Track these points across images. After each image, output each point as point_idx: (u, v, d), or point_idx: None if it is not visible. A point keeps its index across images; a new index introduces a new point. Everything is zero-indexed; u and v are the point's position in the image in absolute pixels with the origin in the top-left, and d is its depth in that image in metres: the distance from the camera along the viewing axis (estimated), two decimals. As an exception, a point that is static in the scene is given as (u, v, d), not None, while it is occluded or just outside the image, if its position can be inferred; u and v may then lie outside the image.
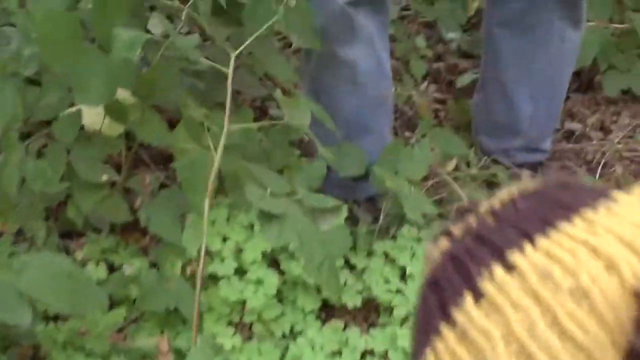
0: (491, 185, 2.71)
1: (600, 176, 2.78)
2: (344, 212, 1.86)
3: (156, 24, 2.28)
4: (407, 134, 3.04)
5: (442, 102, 3.21)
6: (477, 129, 2.83)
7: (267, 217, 1.73)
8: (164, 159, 2.80)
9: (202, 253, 1.72)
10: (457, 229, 0.66)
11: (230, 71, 2.04)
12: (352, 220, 2.46)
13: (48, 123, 2.62)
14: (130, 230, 2.44)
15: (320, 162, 2.08)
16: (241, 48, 2.09)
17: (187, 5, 2.40)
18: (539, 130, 2.73)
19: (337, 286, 1.78)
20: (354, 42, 2.34)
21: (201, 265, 1.74)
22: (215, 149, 1.98)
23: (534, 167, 2.77)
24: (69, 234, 2.51)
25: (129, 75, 2.06)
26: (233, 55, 2.06)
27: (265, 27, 2.13)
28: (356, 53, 2.37)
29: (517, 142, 2.74)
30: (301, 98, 1.91)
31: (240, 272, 2.21)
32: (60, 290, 1.76)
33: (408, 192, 2.20)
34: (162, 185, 2.51)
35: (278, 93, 1.86)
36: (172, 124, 2.80)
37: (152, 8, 3.20)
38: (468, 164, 2.71)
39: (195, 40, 2.00)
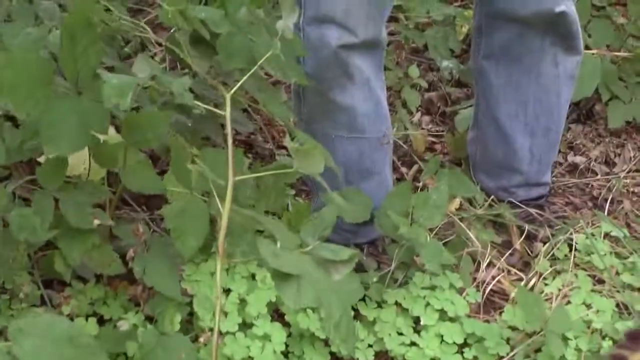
0: (497, 224, 2.62)
1: (609, 213, 2.69)
2: (356, 259, 1.74)
3: (142, 66, 2.14)
4: (403, 169, 2.94)
5: (437, 135, 3.12)
6: (475, 167, 2.73)
7: (283, 277, 1.60)
8: (146, 199, 2.66)
9: (217, 325, 1.58)
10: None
11: (227, 114, 1.91)
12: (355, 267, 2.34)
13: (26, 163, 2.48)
14: (118, 278, 2.29)
15: (330, 209, 1.96)
16: (235, 88, 1.96)
17: (165, 38, 2.28)
18: (539, 164, 2.64)
19: (354, 344, 1.66)
20: (350, 87, 2.24)
21: (215, 341, 1.60)
22: (218, 196, 1.85)
23: (539, 205, 2.68)
24: (49, 282, 2.36)
25: (102, 118, 1.93)
26: (228, 96, 1.93)
27: (259, 63, 2.02)
28: (353, 98, 2.26)
29: (516, 179, 2.65)
30: (313, 145, 1.79)
31: (244, 326, 2.08)
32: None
33: (425, 241, 2.09)
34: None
35: (288, 140, 1.74)
36: (154, 159, 2.69)
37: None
38: (470, 203, 2.61)
39: (187, 82, 1.88)
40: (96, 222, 2.06)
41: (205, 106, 2.00)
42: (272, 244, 1.69)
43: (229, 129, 1.81)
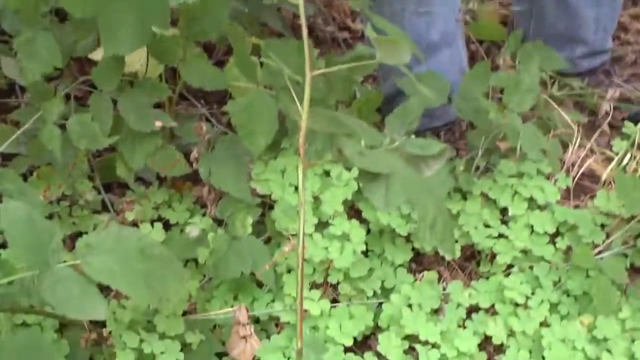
0: (577, 104, 2.47)
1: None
2: (447, 152, 1.61)
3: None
4: (472, 47, 2.76)
5: (507, 5, 2.93)
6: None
7: (370, 177, 1.48)
8: (204, 94, 2.54)
9: (302, 225, 1.47)
10: None
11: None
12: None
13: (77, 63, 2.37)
14: (182, 179, 2.20)
15: (416, 100, 1.82)
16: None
17: None
18: (604, 32, 2.47)
19: (453, 245, 1.55)
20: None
21: (301, 244, 1.49)
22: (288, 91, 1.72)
23: (605, 71, 2.51)
24: (109, 186, 2.28)
25: (163, 12, 1.79)
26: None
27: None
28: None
29: (580, 50, 2.48)
30: (398, 34, 1.64)
31: (320, 226, 1.99)
32: (135, 275, 1.53)
33: (520, 126, 1.95)
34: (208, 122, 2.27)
35: (369, 28, 1.59)
36: (207, 51, 2.55)
37: None
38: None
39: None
40: (158, 124, 1.95)
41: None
42: (355, 142, 1.57)
43: (302, 17, 1.66)
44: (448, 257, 2.06)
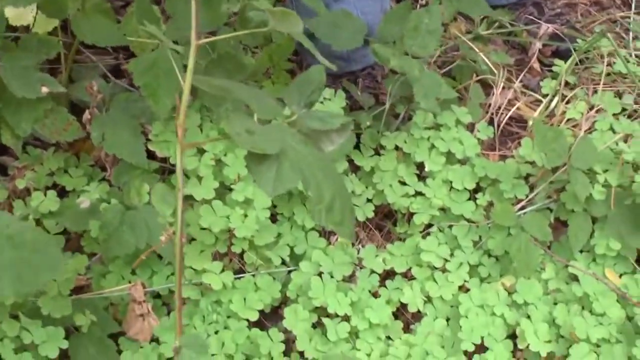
0: (507, 43, 2.37)
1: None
2: (351, 125, 1.51)
3: None
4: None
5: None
6: None
7: (258, 158, 1.38)
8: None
9: (180, 187, 1.37)
10: None
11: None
12: (350, 104, 2.12)
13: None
14: (81, 140, 2.07)
15: (317, 68, 1.70)
16: None
17: None
18: None
19: (352, 228, 1.47)
20: None
21: (180, 216, 1.40)
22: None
23: (536, 3, 2.41)
24: (4, 149, 2.14)
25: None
26: None
27: None
28: None
29: None
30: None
31: (222, 190, 1.90)
32: (2, 266, 1.43)
33: (419, 73, 1.84)
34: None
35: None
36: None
37: None
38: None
39: None
40: (44, 89, 1.82)
41: None
42: (246, 117, 1.46)
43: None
44: (360, 218, 1.98)
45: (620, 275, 1.90)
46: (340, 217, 1.46)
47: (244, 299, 1.82)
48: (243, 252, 1.88)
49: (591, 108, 2.13)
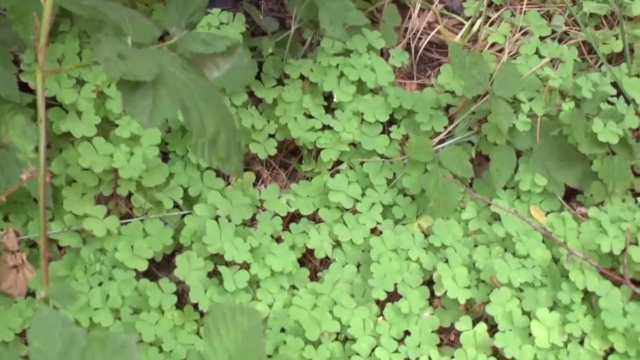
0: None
1: None
2: (240, 48, 1.48)
3: None
4: None
5: None
6: None
7: (131, 85, 1.34)
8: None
9: (42, 118, 1.32)
10: None
11: None
12: (252, 29, 2.09)
13: None
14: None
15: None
16: None
17: None
18: None
19: (239, 163, 1.45)
20: None
21: (42, 152, 1.36)
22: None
23: None
24: None
25: None
26: None
27: None
28: None
29: None
30: None
31: (106, 126, 1.86)
32: None
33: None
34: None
35: None
36: None
37: None
38: None
39: None
40: None
41: None
42: (117, 40, 1.42)
43: None
44: (261, 156, 1.96)
45: (547, 214, 1.91)
46: (225, 152, 1.45)
47: (131, 247, 1.81)
48: (130, 194, 1.87)
49: (517, 31, 2.12)
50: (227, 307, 1.54)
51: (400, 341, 1.75)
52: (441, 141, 1.97)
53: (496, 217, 1.90)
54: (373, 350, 1.73)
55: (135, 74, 1.35)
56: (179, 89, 1.39)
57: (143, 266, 1.80)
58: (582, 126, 1.87)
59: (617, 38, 2.11)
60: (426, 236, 1.87)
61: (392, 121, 2.00)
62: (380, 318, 1.78)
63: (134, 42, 1.43)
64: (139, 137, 1.84)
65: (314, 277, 1.88)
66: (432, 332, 1.77)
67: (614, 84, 1.98)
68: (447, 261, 1.82)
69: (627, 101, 1.94)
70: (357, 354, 1.72)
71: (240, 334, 1.34)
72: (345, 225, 1.89)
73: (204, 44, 1.49)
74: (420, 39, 2.15)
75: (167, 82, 1.38)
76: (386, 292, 1.78)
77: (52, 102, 1.87)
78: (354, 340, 1.74)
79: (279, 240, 1.86)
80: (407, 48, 2.12)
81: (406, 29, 2.15)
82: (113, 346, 1.16)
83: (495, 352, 1.75)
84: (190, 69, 1.46)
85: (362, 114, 1.97)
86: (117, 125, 1.84)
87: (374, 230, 1.90)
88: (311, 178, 1.96)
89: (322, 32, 2.02)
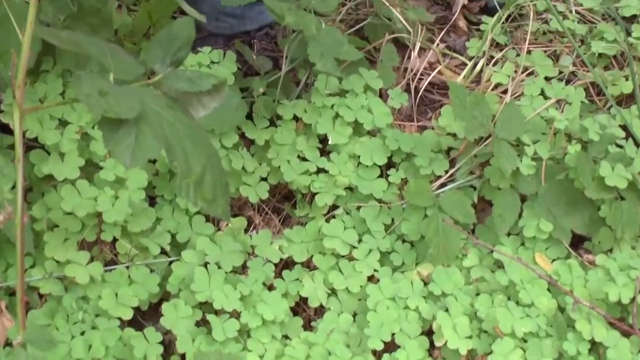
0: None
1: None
2: (227, 86, 1.50)
3: None
4: None
5: None
6: None
7: (113, 123, 1.36)
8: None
9: (20, 157, 1.34)
10: None
11: None
12: (245, 69, 2.12)
13: None
14: None
15: (183, 20, 1.68)
16: None
17: None
18: None
19: (226, 206, 1.46)
20: None
21: (20, 192, 1.38)
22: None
23: None
24: None
25: None
26: None
27: None
28: None
29: None
30: None
31: (90, 169, 1.88)
32: None
33: (316, 31, 1.84)
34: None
35: None
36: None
37: None
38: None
39: None
40: None
41: None
42: (99, 77, 1.44)
43: None
44: (252, 199, 1.98)
45: (553, 261, 1.92)
46: (211, 193, 1.47)
47: (116, 295, 1.82)
48: (115, 240, 1.88)
49: (522, 71, 2.14)
50: (214, 356, 1.55)
51: (398, 394, 1.75)
52: (442, 185, 1.99)
53: (499, 265, 1.91)
54: (369, 404, 1.73)
55: (116, 111, 1.37)
56: (164, 128, 1.41)
57: (128, 315, 1.80)
58: (589, 170, 1.89)
59: (627, 79, 2.14)
60: (426, 284, 1.88)
61: (390, 164, 2.02)
62: (377, 370, 1.78)
63: (117, 79, 1.46)
64: (124, 180, 1.86)
65: (307, 326, 1.89)
66: (432, 384, 1.78)
67: (623, 127, 2.00)
68: (447, 310, 1.82)
69: (637, 144, 1.96)
70: (353, 407, 1.73)
71: (226, 385, 1.35)
72: (341, 272, 1.90)
73: (189, 82, 1.51)
74: (420, 79, 2.17)
75: (150, 120, 1.40)
76: (383, 342, 1.78)
77: (34, 144, 1.90)
78: (349, 393, 1.75)
79: (271, 288, 1.87)
80: (407, 89, 2.15)
81: (406, 68, 2.18)
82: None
83: (499, 405, 1.75)
84: (176, 108, 1.48)
85: (359, 156, 1.99)
86: (101, 168, 1.86)
87: (371, 278, 1.91)
88: (305, 223, 1.97)
89: (316, 72, 2.04)
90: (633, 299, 1.80)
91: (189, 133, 1.45)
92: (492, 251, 1.92)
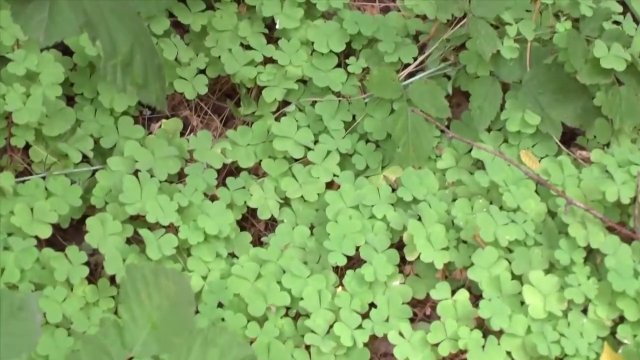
0: None
1: None
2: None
3: None
4: None
5: None
6: None
7: (20, -5, 1.34)
8: None
9: None
10: None
11: None
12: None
13: None
14: None
15: None
16: None
17: None
18: None
19: (161, 91, 1.45)
20: None
21: None
22: None
23: None
24: None
25: None
26: None
27: None
28: None
29: None
30: None
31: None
32: None
33: None
34: None
35: None
36: None
37: None
38: None
39: None
40: None
41: None
42: None
43: None
44: (189, 95, 1.96)
45: (541, 160, 1.93)
46: (142, 77, 1.46)
47: (31, 210, 1.80)
48: (28, 146, 1.87)
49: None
50: (149, 269, 1.54)
51: (365, 315, 1.76)
52: (410, 75, 2.00)
53: (479, 166, 1.92)
54: (331, 326, 1.74)
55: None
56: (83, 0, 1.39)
57: (46, 233, 1.79)
58: (581, 51, 1.89)
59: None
60: (394, 190, 1.89)
61: (349, 52, 2.02)
62: (340, 288, 1.79)
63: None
64: (37, 75, 1.84)
65: (257, 242, 1.90)
66: (403, 304, 1.78)
67: (620, 0, 2.00)
68: (419, 218, 1.83)
69: (636, 20, 1.96)
70: (312, 331, 1.73)
71: (165, 300, 1.34)
72: (295, 179, 1.90)
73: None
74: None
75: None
76: (346, 256, 1.79)
77: None
78: (307, 315, 1.75)
79: (213, 198, 1.87)
80: (367, -36, 2.15)
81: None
82: (9, 307, 1.16)
83: (481, 324, 1.76)
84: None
85: (313, 43, 1.98)
86: (9, 60, 1.83)
87: (330, 185, 1.92)
88: (251, 123, 1.98)
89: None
90: (634, 199, 1.81)
91: (113, 6, 1.43)
92: (470, 149, 1.92)
